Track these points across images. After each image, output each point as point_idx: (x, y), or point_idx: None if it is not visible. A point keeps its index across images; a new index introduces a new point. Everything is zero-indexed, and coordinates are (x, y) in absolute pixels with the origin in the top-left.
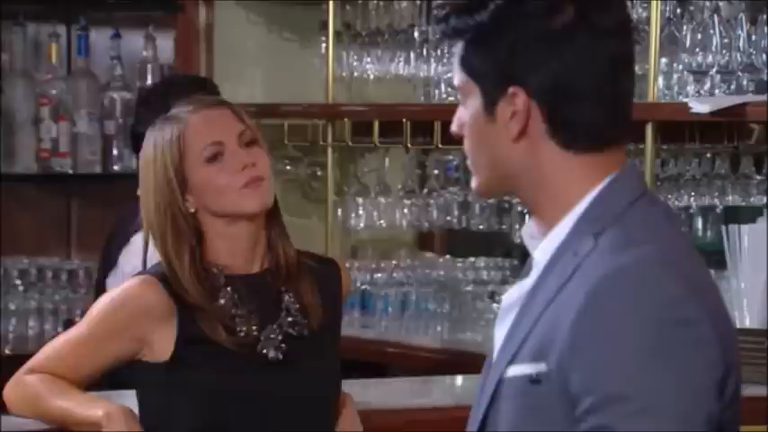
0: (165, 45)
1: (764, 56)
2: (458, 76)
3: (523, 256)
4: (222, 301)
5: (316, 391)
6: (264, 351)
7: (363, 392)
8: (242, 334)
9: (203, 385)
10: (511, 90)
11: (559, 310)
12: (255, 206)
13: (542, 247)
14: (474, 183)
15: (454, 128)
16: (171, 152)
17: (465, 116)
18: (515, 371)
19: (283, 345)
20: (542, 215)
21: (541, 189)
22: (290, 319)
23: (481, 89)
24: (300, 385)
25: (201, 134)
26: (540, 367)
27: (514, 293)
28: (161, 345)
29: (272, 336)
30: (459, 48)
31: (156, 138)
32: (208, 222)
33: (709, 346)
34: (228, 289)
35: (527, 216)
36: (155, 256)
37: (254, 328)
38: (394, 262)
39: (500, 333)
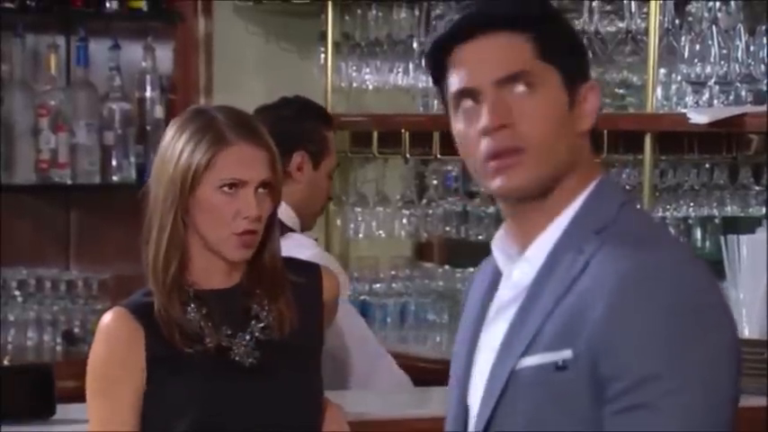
0: (165, 56)
1: (763, 66)
2: (530, 64)
3: None
4: (189, 315)
5: (294, 397)
6: (237, 359)
7: (361, 402)
8: (211, 345)
9: (177, 399)
10: (589, 83)
11: (580, 301)
12: (234, 257)
13: (538, 245)
14: (525, 175)
15: (502, 120)
16: (199, 162)
17: (539, 106)
18: (533, 361)
19: (256, 351)
20: (536, 219)
21: (557, 188)
22: (260, 325)
23: (566, 79)
24: (278, 392)
25: (231, 165)
26: (566, 354)
27: (507, 294)
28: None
29: (244, 343)
30: (530, 37)
31: (192, 136)
32: (192, 239)
33: (729, 330)
34: (197, 302)
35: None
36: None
37: (225, 337)
38: (393, 272)
39: (495, 331)
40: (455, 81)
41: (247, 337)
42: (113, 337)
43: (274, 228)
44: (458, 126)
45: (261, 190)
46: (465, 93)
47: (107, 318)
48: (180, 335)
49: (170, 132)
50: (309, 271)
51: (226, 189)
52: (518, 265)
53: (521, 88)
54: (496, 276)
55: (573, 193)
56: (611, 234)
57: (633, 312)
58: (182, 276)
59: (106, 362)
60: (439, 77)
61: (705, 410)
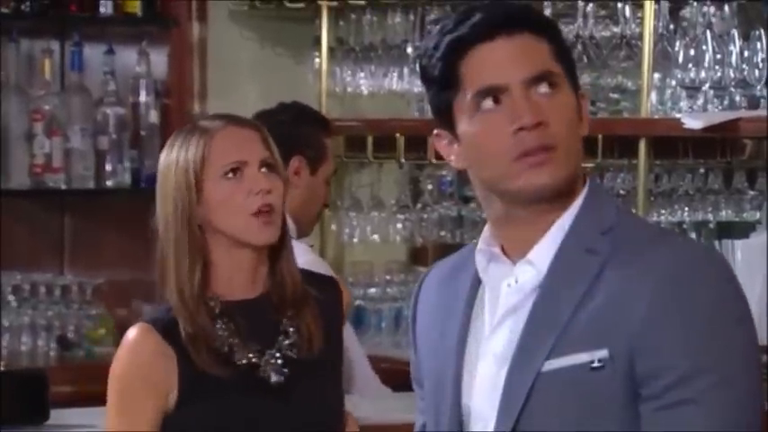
0: (159, 60)
1: (757, 72)
2: (551, 65)
3: None
4: (219, 332)
5: (320, 414)
6: (266, 375)
7: (357, 408)
8: (243, 361)
9: (207, 421)
10: (581, 91)
11: (613, 302)
12: (260, 240)
13: (541, 248)
14: (556, 173)
15: (539, 118)
16: (195, 158)
17: (561, 106)
18: (562, 363)
19: (285, 369)
20: (538, 222)
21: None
22: (287, 342)
23: (572, 84)
24: (304, 409)
25: (226, 149)
26: (602, 353)
27: (511, 300)
28: (172, 393)
29: (273, 360)
30: (546, 40)
31: (182, 142)
32: (212, 242)
33: (752, 321)
34: (225, 319)
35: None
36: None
37: (253, 355)
38: (387, 277)
39: (499, 336)
40: (477, 80)
41: (276, 355)
42: (137, 354)
43: (286, 234)
44: (473, 128)
45: (264, 170)
46: (488, 91)
47: (132, 333)
48: (207, 353)
49: (164, 152)
50: (329, 285)
51: (230, 176)
52: (519, 269)
53: (544, 88)
54: (475, 282)
55: (570, 196)
56: (620, 236)
57: (676, 310)
58: (206, 289)
59: (128, 378)
60: (447, 80)
61: (748, 401)
